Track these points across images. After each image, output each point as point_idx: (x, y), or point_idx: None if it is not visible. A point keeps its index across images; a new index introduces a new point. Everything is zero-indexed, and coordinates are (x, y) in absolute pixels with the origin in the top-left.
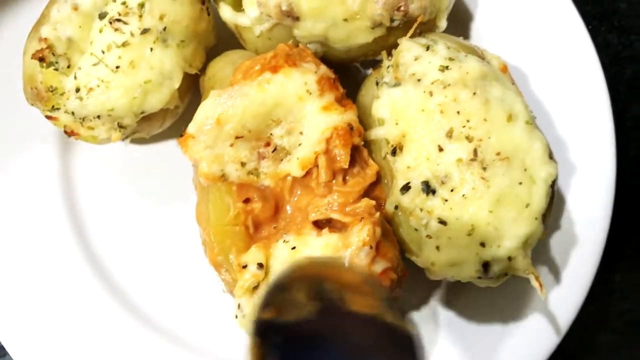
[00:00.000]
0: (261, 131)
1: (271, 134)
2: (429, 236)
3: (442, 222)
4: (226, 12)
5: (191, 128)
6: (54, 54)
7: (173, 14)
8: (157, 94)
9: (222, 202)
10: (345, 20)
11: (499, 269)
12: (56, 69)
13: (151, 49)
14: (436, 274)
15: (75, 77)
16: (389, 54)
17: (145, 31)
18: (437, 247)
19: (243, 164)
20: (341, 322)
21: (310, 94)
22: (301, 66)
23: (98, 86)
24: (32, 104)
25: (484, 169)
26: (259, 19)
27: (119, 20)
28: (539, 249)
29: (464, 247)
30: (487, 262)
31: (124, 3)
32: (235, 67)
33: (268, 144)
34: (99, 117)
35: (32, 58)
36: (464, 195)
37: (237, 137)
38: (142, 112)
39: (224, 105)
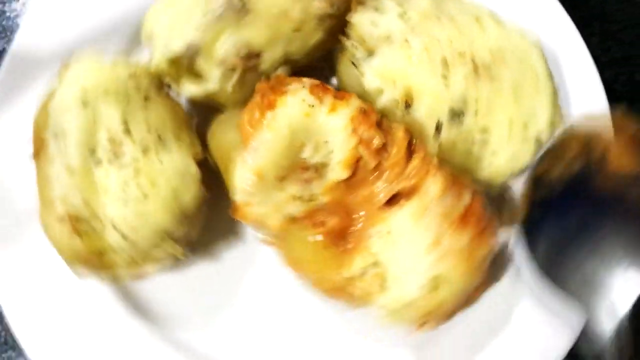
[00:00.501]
0: (294, 162)
1: (304, 159)
2: (480, 147)
3: (485, 130)
4: (190, 89)
5: (238, 197)
6: (83, 221)
7: (156, 120)
8: (187, 193)
9: (306, 240)
10: (296, 30)
11: (547, 137)
12: (94, 231)
13: (160, 161)
14: (501, 177)
15: (114, 227)
16: (344, 35)
17: (145, 150)
18: (493, 152)
19: (299, 198)
20: (604, 180)
21: (313, 106)
22: (288, 89)
23: (140, 220)
24: (91, 276)
25: (489, 71)
26: (224, 77)
27: (117, 156)
28: None
29: (513, 138)
30: (536, 138)
31: (110, 140)
32: (237, 126)
33: (307, 168)
34: (155, 245)
35: (70, 238)
36: (487, 100)
37: (279, 180)
38: (186, 217)
39: (254, 161)
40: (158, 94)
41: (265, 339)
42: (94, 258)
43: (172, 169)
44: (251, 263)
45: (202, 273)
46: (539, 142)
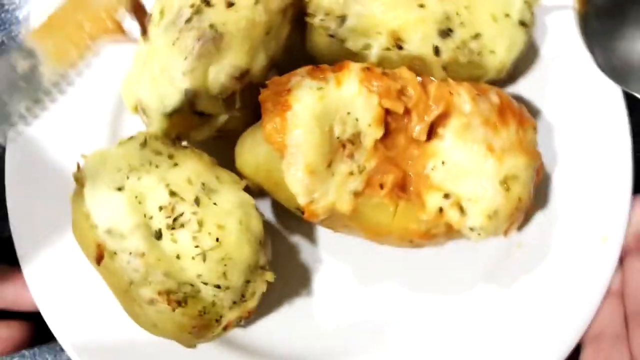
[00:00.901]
0: (331, 144)
1: (338, 138)
2: (479, 53)
3: (476, 35)
4: (202, 132)
5: (302, 200)
6: (175, 293)
7: (193, 172)
8: (253, 220)
9: (377, 205)
10: (268, 33)
11: (529, 17)
12: (192, 297)
13: (215, 204)
14: (507, 68)
15: (205, 284)
16: (309, 16)
17: (197, 201)
18: (492, 51)
19: (352, 173)
20: None
21: (321, 88)
22: (291, 86)
23: (225, 265)
24: (202, 341)
25: None
26: (228, 105)
27: (175, 220)
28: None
29: (502, 31)
30: (520, 21)
31: (161, 209)
32: (264, 141)
33: (344, 145)
34: (248, 281)
35: (170, 316)
36: (465, 8)
37: (328, 167)
38: (261, 242)
39: (300, 162)
40: (177, 150)
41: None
42: (200, 321)
43: (230, 205)
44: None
45: None
46: (524, 24)
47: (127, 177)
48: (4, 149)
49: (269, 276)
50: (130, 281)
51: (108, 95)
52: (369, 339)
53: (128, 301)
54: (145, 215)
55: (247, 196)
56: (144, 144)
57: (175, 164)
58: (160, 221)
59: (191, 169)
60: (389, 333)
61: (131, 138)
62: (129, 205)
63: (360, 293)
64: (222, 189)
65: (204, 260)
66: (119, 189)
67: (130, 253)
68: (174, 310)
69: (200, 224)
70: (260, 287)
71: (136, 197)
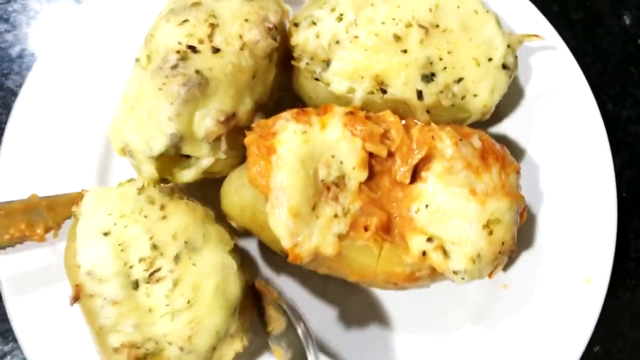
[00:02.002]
0: (316, 187)
1: (322, 180)
2: (463, 97)
3: (458, 79)
4: (187, 175)
5: (285, 243)
6: (139, 347)
7: (179, 227)
8: (231, 285)
9: (361, 248)
10: (254, 76)
11: (512, 60)
12: (153, 355)
13: (194, 264)
14: (490, 110)
15: (170, 343)
16: (294, 60)
17: (177, 258)
18: (475, 95)
19: (337, 216)
20: None
21: (305, 132)
22: (276, 128)
23: (192, 329)
24: None
25: (437, 26)
26: (213, 149)
27: (152, 274)
28: None
29: (484, 74)
30: (503, 64)
31: (141, 260)
32: (249, 183)
33: (328, 188)
34: (215, 347)
35: None
36: (448, 53)
37: (313, 209)
38: (235, 309)
39: (284, 204)
40: (171, 199)
41: None
42: None
43: (209, 268)
44: None
45: None
46: (507, 67)
47: (115, 224)
48: None
49: (237, 345)
50: (101, 326)
51: (96, 139)
52: None
53: (98, 343)
54: (125, 264)
55: (229, 259)
56: (142, 189)
57: (164, 217)
58: (139, 272)
59: (179, 223)
60: None
61: (131, 181)
62: (112, 251)
63: (346, 335)
64: (205, 249)
65: (172, 319)
66: (105, 234)
67: (105, 299)
68: None
69: (176, 283)
70: (227, 355)
71: (120, 244)
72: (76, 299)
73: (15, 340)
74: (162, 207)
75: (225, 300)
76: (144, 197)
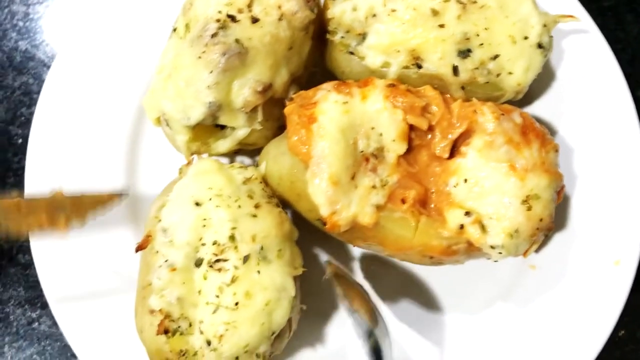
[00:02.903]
0: (355, 157)
1: (361, 151)
2: (497, 75)
3: (494, 56)
4: (223, 145)
5: (324, 210)
6: (173, 320)
7: (262, 231)
8: (280, 310)
9: (398, 220)
10: (290, 48)
11: (547, 40)
12: (181, 333)
13: (258, 272)
14: (524, 89)
15: (201, 332)
16: (329, 33)
17: (246, 259)
18: (510, 72)
19: (375, 187)
20: None
21: (346, 102)
22: (317, 98)
23: (227, 330)
24: None
25: (475, 2)
26: (249, 119)
27: (217, 260)
28: None
29: (520, 53)
30: (538, 43)
31: (214, 243)
32: (289, 151)
33: (367, 159)
34: (237, 358)
35: (157, 334)
36: (485, 29)
37: (352, 179)
38: (273, 333)
39: (325, 172)
40: (268, 203)
41: None
42: (175, 358)
43: (270, 283)
44: None
45: None
46: (542, 47)
47: (210, 199)
48: None
49: None
50: (150, 283)
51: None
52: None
53: (139, 297)
54: (200, 239)
55: (290, 285)
56: (248, 180)
57: (255, 215)
58: (207, 253)
59: (264, 228)
60: (407, 349)
61: (242, 168)
62: (194, 222)
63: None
64: (274, 264)
65: (214, 312)
66: (197, 204)
67: (166, 261)
68: (157, 333)
69: (233, 280)
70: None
71: (204, 219)
72: (141, 247)
73: (42, 307)
74: (257, 206)
75: (268, 321)
76: (247, 189)
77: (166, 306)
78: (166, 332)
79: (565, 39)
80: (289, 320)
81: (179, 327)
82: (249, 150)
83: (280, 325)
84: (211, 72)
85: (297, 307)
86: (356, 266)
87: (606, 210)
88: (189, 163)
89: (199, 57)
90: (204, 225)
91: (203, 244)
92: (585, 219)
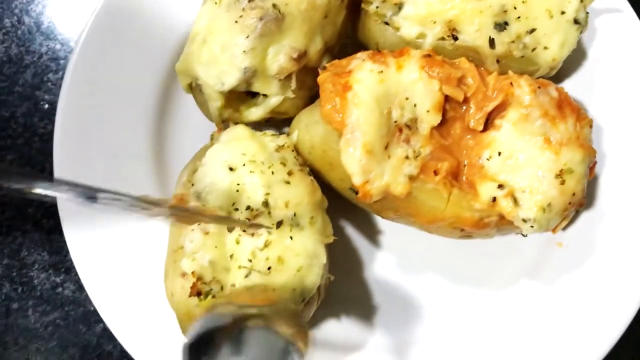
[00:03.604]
0: (389, 127)
1: (395, 122)
2: (533, 49)
3: (531, 30)
4: (255, 113)
5: (357, 179)
6: (205, 283)
7: (295, 198)
8: (311, 276)
9: (430, 191)
10: (325, 16)
11: (583, 16)
12: (213, 296)
13: (291, 238)
14: (558, 65)
15: None
16: (364, 3)
17: (279, 224)
18: (545, 47)
19: (407, 158)
20: None
21: (382, 71)
22: (351, 67)
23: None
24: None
25: None
26: (283, 86)
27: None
28: None
29: (556, 27)
30: (575, 19)
31: (248, 208)
32: (322, 120)
33: (400, 130)
34: None
35: (190, 296)
36: (523, 2)
37: (385, 149)
38: (304, 300)
39: (358, 140)
40: (301, 171)
41: None
42: None
43: (302, 249)
44: None
45: None
46: (578, 22)
47: (244, 164)
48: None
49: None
50: (182, 246)
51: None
52: (409, 327)
53: (170, 260)
54: (233, 204)
55: (322, 252)
56: (281, 148)
57: (288, 182)
58: (240, 217)
59: (297, 194)
60: (432, 323)
61: (274, 135)
62: (228, 187)
63: (403, 283)
64: (306, 231)
65: (246, 276)
66: (231, 169)
67: (199, 224)
68: (190, 295)
69: (266, 245)
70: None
71: (238, 184)
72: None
73: (67, 271)
74: (290, 173)
75: (300, 287)
76: (279, 156)
77: (198, 269)
78: (199, 294)
79: (598, 18)
80: (318, 288)
81: (210, 289)
82: (277, 121)
83: (311, 292)
84: (247, 37)
85: (326, 276)
86: (382, 239)
87: (634, 190)
88: (221, 130)
89: (236, 22)
90: (238, 191)
91: (236, 209)
92: (613, 197)
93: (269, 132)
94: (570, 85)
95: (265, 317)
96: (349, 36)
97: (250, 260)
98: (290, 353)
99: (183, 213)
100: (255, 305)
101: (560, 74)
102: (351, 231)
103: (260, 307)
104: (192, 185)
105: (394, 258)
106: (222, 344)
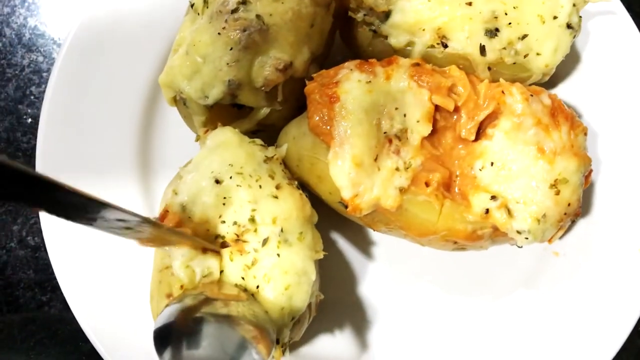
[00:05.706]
0: (378, 138)
1: (385, 132)
2: (525, 55)
3: (523, 36)
4: (242, 125)
5: (346, 193)
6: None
7: (283, 213)
8: (300, 294)
9: (422, 203)
10: (312, 25)
11: (576, 20)
12: None
13: (278, 255)
14: (551, 70)
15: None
16: (352, 11)
17: (265, 241)
18: (538, 53)
19: (398, 169)
20: None
21: (369, 81)
22: (339, 78)
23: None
24: None
25: None
26: (270, 98)
27: (237, 241)
28: None
29: (549, 32)
30: (567, 24)
31: (235, 223)
32: (309, 132)
33: (390, 141)
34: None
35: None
36: (514, 8)
37: (375, 161)
38: (293, 318)
39: (347, 153)
40: (289, 184)
41: None
42: None
43: (290, 266)
44: None
45: None
46: (571, 27)
47: (231, 177)
48: None
49: (277, 355)
50: (167, 266)
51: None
52: (405, 340)
53: (156, 280)
54: (220, 217)
55: (311, 269)
56: (269, 159)
57: (276, 197)
58: (227, 233)
59: (285, 209)
60: (428, 335)
61: (263, 147)
62: (214, 200)
63: (397, 295)
64: (295, 247)
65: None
66: (217, 182)
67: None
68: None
69: (254, 263)
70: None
71: (224, 198)
72: (161, 220)
73: (53, 290)
74: (278, 187)
75: (288, 306)
76: (267, 168)
77: (180, 283)
78: None
79: (591, 21)
80: (309, 306)
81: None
82: (264, 134)
83: (300, 311)
84: (231, 49)
85: (316, 293)
86: (375, 251)
87: (630, 197)
88: (207, 131)
89: (219, 34)
90: (224, 204)
91: (223, 222)
92: (609, 205)
93: (258, 141)
94: (564, 91)
95: (228, 310)
96: (336, 44)
97: (243, 278)
98: (247, 348)
99: (157, 233)
100: (222, 299)
101: (553, 80)
102: (343, 244)
103: (225, 301)
104: (177, 194)
105: (388, 270)
106: (182, 335)
